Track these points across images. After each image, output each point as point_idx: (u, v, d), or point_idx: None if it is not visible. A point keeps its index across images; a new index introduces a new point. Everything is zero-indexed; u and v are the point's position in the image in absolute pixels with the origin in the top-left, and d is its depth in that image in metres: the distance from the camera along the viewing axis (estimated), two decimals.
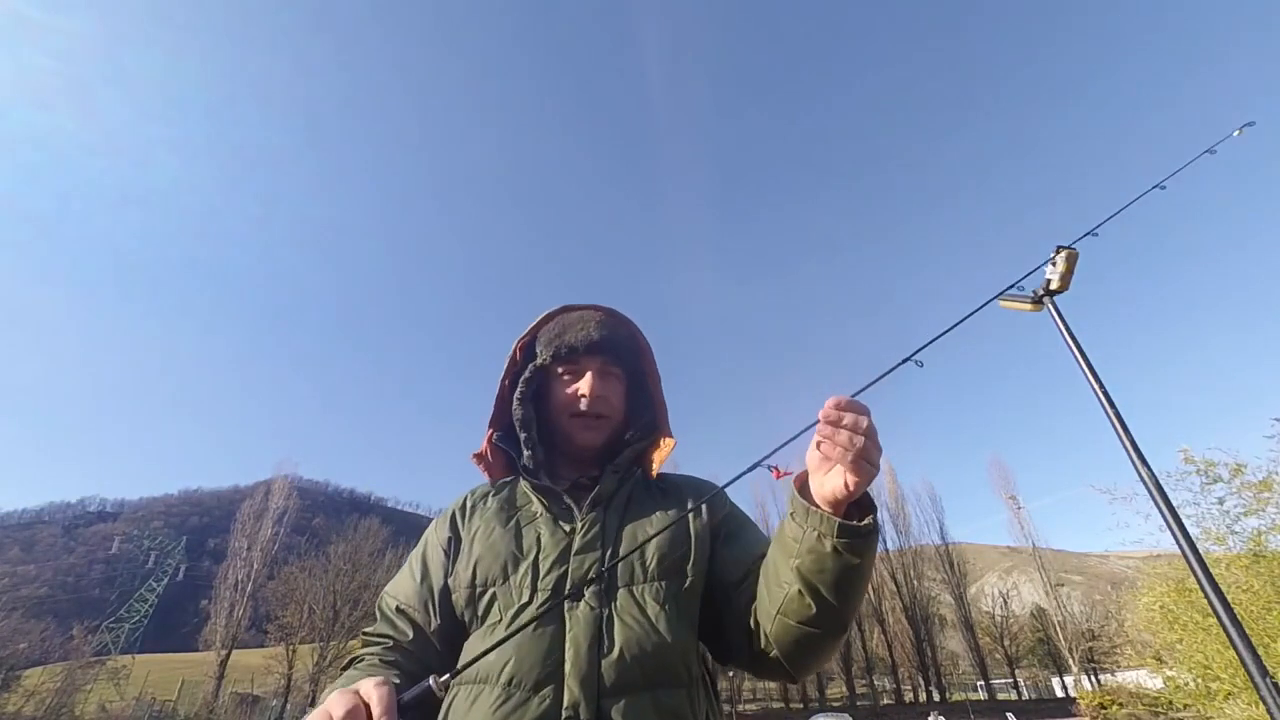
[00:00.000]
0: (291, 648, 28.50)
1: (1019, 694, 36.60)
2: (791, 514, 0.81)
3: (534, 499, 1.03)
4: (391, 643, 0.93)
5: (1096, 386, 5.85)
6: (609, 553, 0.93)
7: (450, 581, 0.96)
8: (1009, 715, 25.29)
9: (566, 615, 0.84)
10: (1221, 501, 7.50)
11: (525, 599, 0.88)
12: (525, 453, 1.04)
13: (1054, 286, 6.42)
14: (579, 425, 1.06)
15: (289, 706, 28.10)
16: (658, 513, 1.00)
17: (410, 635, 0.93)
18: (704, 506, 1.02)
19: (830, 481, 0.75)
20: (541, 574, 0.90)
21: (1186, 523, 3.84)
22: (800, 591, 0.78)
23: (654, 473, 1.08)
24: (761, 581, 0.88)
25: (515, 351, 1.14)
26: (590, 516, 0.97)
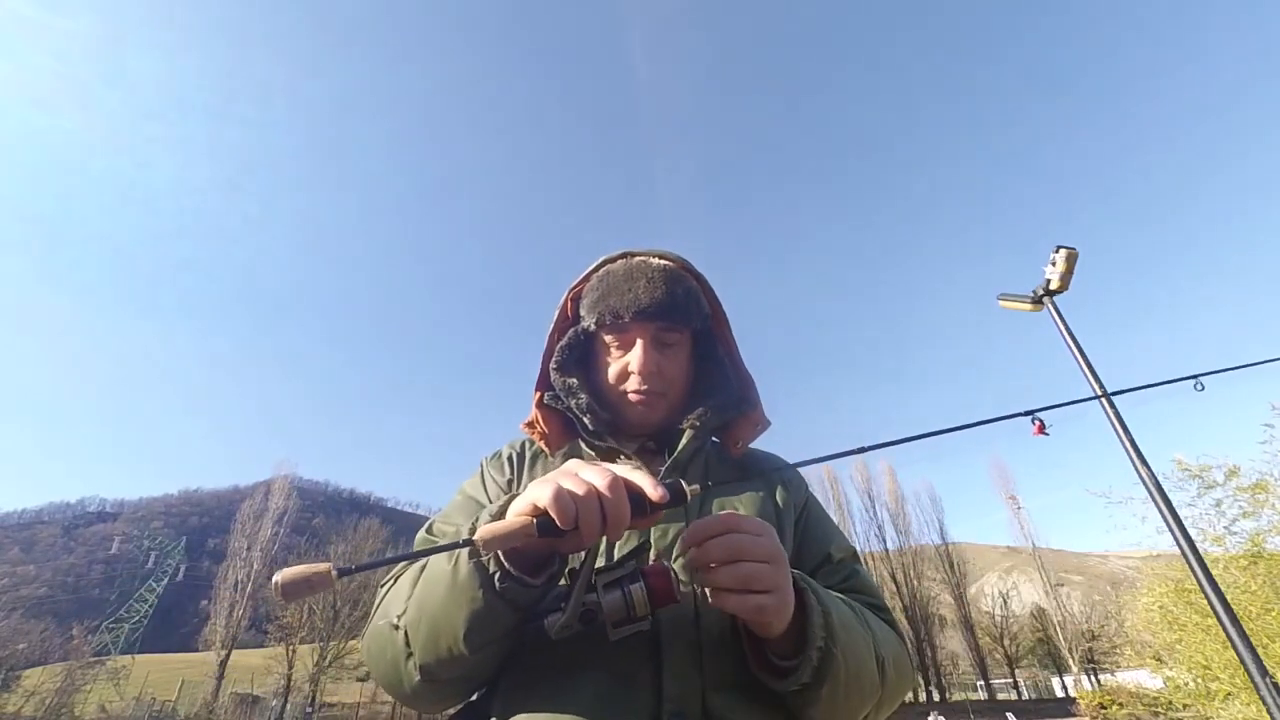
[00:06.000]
0: (291, 648, 28.48)
1: (1019, 694, 36.56)
2: None
3: (601, 459, 0.91)
4: None
5: (1096, 386, 5.78)
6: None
7: None
8: (1009, 715, 25.26)
9: None
10: (1219, 504, 7.52)
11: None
12: (584, 418, 0.90)
13: (1054, 286, 6.36)
14: (629, 402, 0.91)
15: (289, 706, 28.09)
16: (744, 486, 0.91)
17: None
18: (786, 486, 0.94)
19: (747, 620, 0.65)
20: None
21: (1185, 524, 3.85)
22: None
23: (738, 450, 0.96)
24: None
25: (566, 303, 0.98)
26: (668, 483, 0.89)
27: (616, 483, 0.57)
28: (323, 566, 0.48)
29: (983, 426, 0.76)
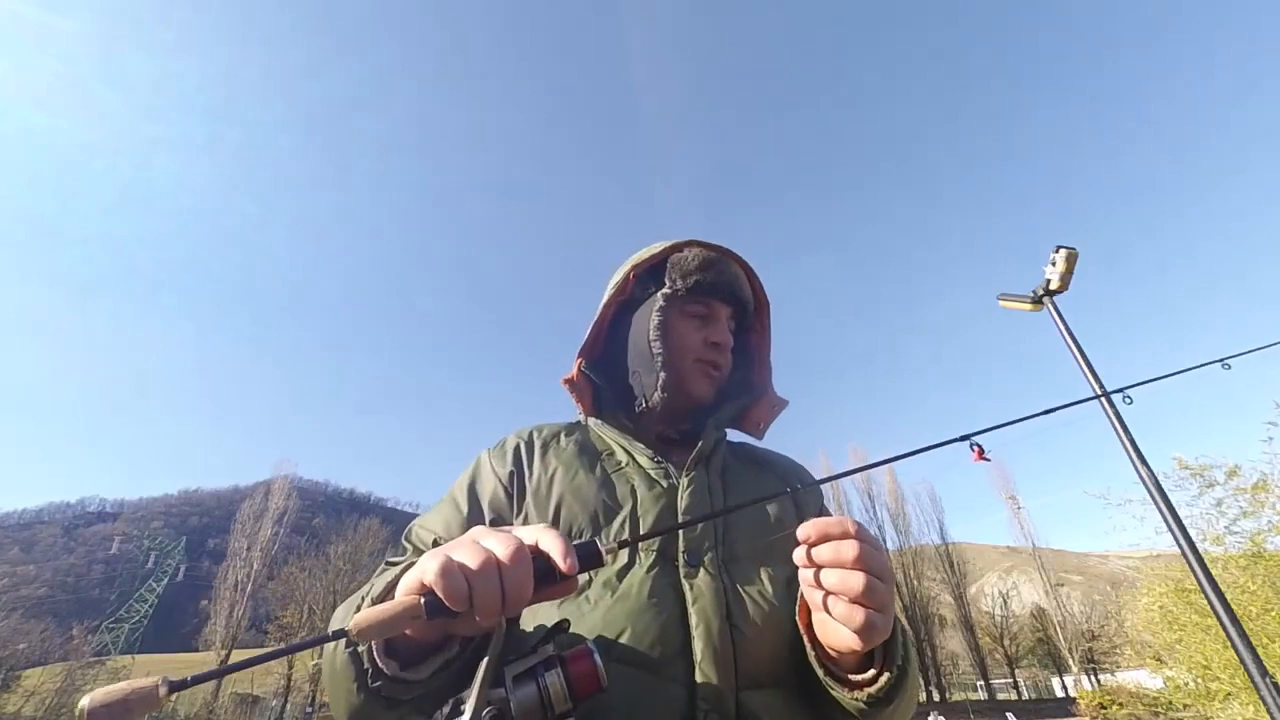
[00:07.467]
0: None
1: (1019, 694, 36.59)
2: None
3: (616, 447, 0.90)
4: None
5: (1096, 386, 5.77)
6: (721, 518, 0.82)
7: (516, 524, 0.80)
8: (1009, 715, 25.26)
9: (685, 584, 0.71)
10: (1219, 503, 7.51)
11: (625, 559, 0.74)
12: (656, 395, 0.90)
13: (1054, 286, 6.35)
14: (699, 372, 0.92)
15: (289, 706, 28.11)
16: (766, 482, 0.91)
17: None
18: (803, 491, 0.91)
19: (833, 632, 0.59)
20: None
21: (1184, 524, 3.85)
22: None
23: (763, 432, 1.00)
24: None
25: (629, 276, 0.97)
26: (693, 474, 0.84)
27: (520, 552, 0.49)
28: (148, 682, 0.39)
29: (926, 452, 0.72)
